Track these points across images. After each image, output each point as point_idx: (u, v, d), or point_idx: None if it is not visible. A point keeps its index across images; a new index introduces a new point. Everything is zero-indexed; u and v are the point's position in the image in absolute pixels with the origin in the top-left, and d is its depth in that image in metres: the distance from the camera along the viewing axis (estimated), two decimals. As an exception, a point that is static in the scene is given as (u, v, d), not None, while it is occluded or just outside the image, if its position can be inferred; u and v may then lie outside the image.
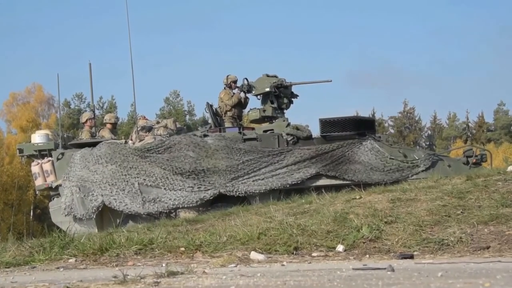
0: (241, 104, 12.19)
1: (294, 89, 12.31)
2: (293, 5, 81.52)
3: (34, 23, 70.90)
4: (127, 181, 10.46)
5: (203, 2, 79.39)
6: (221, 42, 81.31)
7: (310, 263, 5.65)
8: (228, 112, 12.02)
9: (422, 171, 10.70)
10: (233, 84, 12.12)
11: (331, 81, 12.48)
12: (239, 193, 10.44)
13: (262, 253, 6.02)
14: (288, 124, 11.34)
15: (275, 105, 11.83)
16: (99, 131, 12.01)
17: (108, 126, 12.17)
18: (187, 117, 48.53)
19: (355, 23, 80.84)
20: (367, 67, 79.85)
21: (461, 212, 6.69)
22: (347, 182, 10.42)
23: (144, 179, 10.48)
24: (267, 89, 11.78)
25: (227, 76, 12.19)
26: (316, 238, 6.33)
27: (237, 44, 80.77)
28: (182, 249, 6.29)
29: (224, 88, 12.18)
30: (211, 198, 10.46)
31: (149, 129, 11.50)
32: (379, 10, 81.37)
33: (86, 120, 12.12)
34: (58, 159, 10.98)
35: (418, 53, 78.04)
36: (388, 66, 76.36)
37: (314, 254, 6.04)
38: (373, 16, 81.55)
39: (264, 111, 11.89)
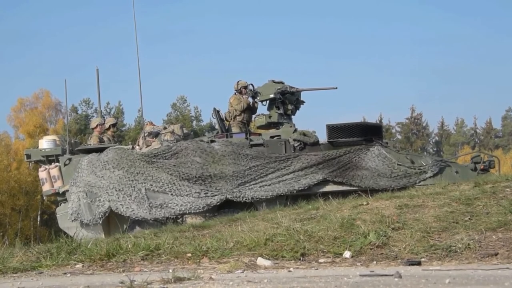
0: (250, 109, 12.20)
1: (301, 96, 12.31)
2: (299, 11, 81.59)
3: (42, 29, 71.30)
4: (134, 186, 10.47)
5: (210, 7, 79.59)
6: (229, 47, 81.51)
7: (317, 269, 5.63)
8: (237, 117, 12.03)
9: (430, 177, 10.65)
10: (243, 89, 12.14)
11: (336, 88, 12.45)
12: (245, 199, 10.42)
13: (269, 259, 6.00)
14: (295, 130, 11.33)
15: (281, 111, 11.83)
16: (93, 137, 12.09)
17: (109, 132, 12.25)
18: (194, 122, 48.58)
19: (356, 29, 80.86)
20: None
21: (469, 218, 6.66)
22: (354, 188, 10.39)
23: (151, 185, 10.48)
24: (271, 95, 11.79)
25: (238, 81, 12.22)
26: (323, 244, 6.31)
27: (245, 49, 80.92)
28: (189, 254, 6.28)
29: (235, 94, 12.20)
30: (218, 203, 10.45)
31: (156, 134, 11.51)
32: (383, 17, 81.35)
33: (96, 126, 12.16)
34: (65, 164, 11.00)
35: (423, 57, 77.90)
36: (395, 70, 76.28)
37: (321, 260, 6.02)
38: (376, 21, 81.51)
39: (270, 117, 11.90)
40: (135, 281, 4.66)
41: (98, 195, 10.50)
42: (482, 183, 7.91)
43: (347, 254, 6.11)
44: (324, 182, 10.68)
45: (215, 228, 7.55)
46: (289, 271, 5.53)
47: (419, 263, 5.69)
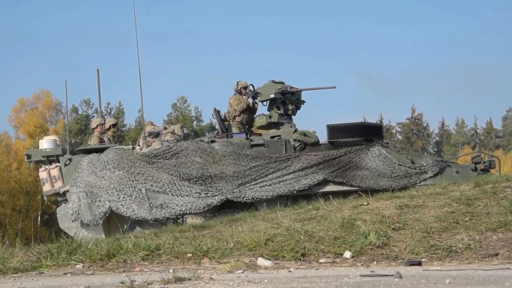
0: (250, 110, 12.20)
1: (301, 96, 12.31)
2: (298, 11, 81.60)
3: (42, 29, 71.34)
4: (134, 187, 10.47)
5: (210, 8, 79.62)
6: (229, 48, 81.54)
7: (317, 269, 5.63)
8: (236, 118, 12.03)
9: (430, 177, 10.65)
10: (243, 90, 12.14)
11: (334, 87, 12.48)
12: (246, 199, 10.42)
13: (269, 259, 6.00)
14: (296, 130, 11.33)
15: (281, 111, 11.84)
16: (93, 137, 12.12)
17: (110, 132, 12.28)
18: (195, 123, 48.59)
19: (358, 30, 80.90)
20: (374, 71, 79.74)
21: (469, 218, 6.66)
22: (355, 188, 10.39)
23: (151, 185, 10.48)
24: (272, 96, 11.80)
25: (238, 82, 12.23)
26: (323, 245, 6.31)
27: (245, 50, 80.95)
28: (189, 255, 6.28)
29: (234, 94, 12.20)
30: (218, 204, 10.45)
31: (156, 135, 11.52)
32: (383, 17, 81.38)
33: (96, 126, 12.17)
34: (65, 164, 11.01)
35: (425, 58, 77.92)
36: (396, 71, 76.33)
37: (321, 260, 6.02)
38: (380, 22, 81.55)
39: (270, 117, 11.89)
40: (135, 281, 4.66)
41: (98, 195, 10.50)
42: (482, 183, 7.90)
43: (347, 254, 6.11)
44: (325, 182, 10.68)
45: (216, 228, 7.55)
46: (290, 271, 5.53)
47: (419, 263, 5.68)
